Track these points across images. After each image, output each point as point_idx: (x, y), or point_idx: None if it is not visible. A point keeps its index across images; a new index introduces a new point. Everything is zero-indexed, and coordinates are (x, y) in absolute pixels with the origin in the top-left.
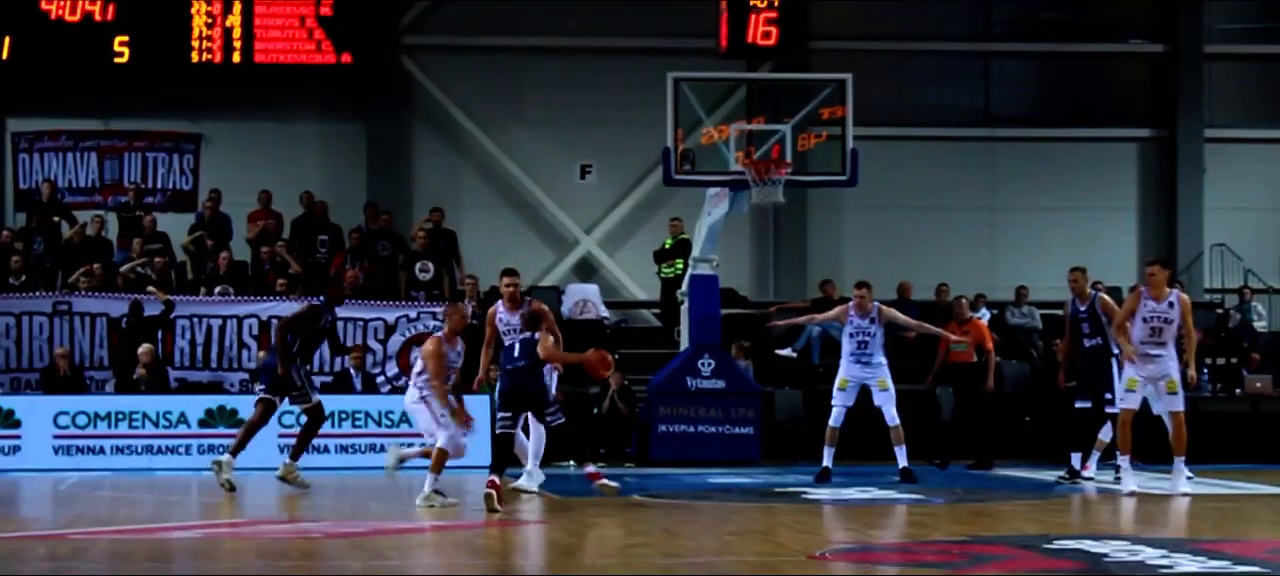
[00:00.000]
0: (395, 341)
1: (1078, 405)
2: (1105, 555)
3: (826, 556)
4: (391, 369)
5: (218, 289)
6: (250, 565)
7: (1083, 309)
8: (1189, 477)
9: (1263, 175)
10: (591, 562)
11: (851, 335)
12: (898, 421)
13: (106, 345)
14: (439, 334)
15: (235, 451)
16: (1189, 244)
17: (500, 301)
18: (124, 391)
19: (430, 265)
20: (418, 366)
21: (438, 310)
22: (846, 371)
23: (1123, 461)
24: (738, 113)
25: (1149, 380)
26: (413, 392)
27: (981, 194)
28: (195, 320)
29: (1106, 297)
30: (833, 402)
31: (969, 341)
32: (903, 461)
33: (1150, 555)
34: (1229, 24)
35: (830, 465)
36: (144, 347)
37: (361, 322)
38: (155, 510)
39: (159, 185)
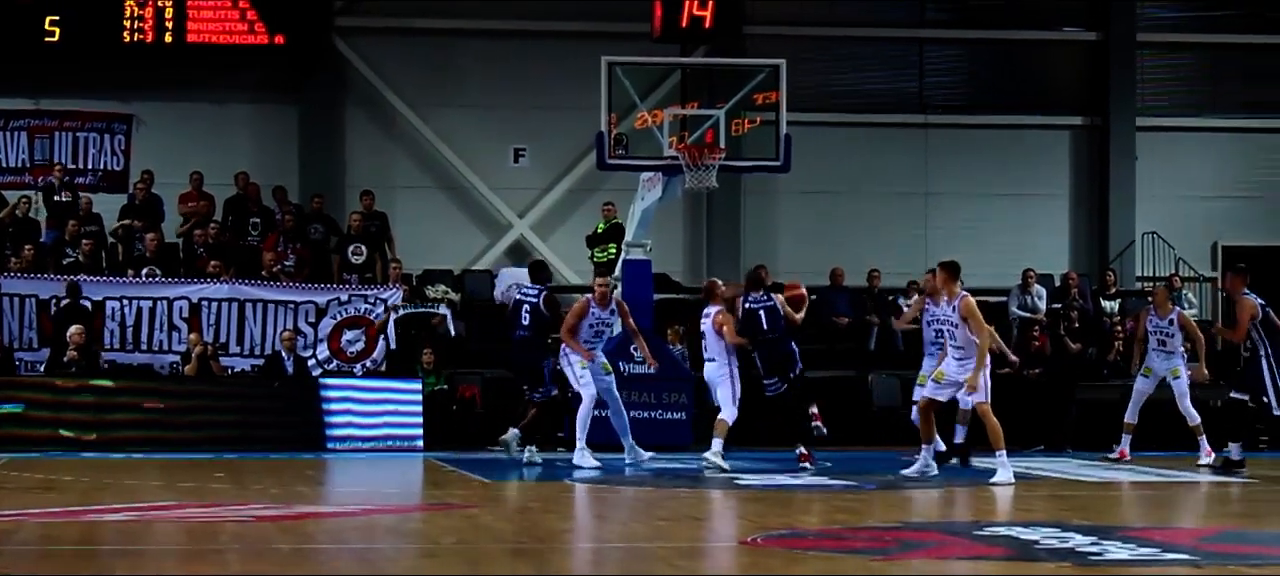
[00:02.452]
0: (326, 324)
1: (1233, 396)
2: (1035, 542)
3: (758, 542)
4: (323, 351)
5: (145, 270)
6: (180, 547)
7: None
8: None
9: (1194, 163)
10: (521, 546)
11: (929, 323)
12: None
13: (36, 326)
14: (720, 310)
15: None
16: (1121, 232)
17: (592, 298)
18: (54, 373)
19: (362, 248)
20: (713, 339)
21: (369, 293)
22: (930, 365)
23: (925, 450)
24: (672, 97)
25: (951, 382)
26: (718, 366)
27: (915, 180)
28: (125, 302)
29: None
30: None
31: None
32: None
33: (1080, 542)
34: (1161, 12)
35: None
36: (74, 328)
37: (293, 305)
38: (86, 492)
39: (90, 165)
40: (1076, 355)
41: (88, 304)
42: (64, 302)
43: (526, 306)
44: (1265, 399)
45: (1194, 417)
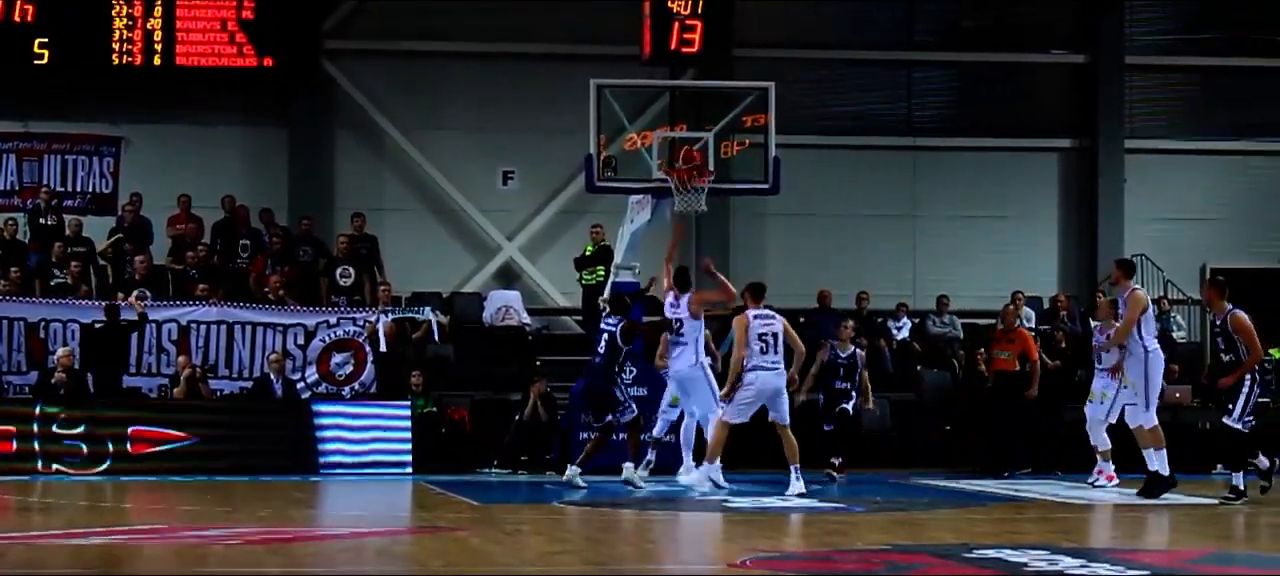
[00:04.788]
0: (315, 347)
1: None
2: (1025, 564)
3: (747, 564)
4: (311, 374)
5: (135, 293)
6: (169, 571)
7: (1217, 322)
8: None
9: (1182, 186)
10: (512, 570)
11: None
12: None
13: (25, 350)
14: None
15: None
16: (1109, 254)
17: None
18: (41, 396)
19: (351, 270)
20: None
21: (357, 316)
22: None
23: (713, 466)
24: (660, 119)
25: (760, 394)
26: None
27: (903, 203)
28: (97, 324)
29: (1240, 315)
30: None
31: (1013, 351)
32: (1153, 465)
33: (1069, 564)
34: (1149, 35)
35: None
36: (62, 351)
37: (281, 328)
38: (74, 515)
39: (79, 188)
40: (1052, 372)
41: (127, 324)
42: (102, 324)
43: (604, 336)
44: (1229, 406)
45: (1105, 443)
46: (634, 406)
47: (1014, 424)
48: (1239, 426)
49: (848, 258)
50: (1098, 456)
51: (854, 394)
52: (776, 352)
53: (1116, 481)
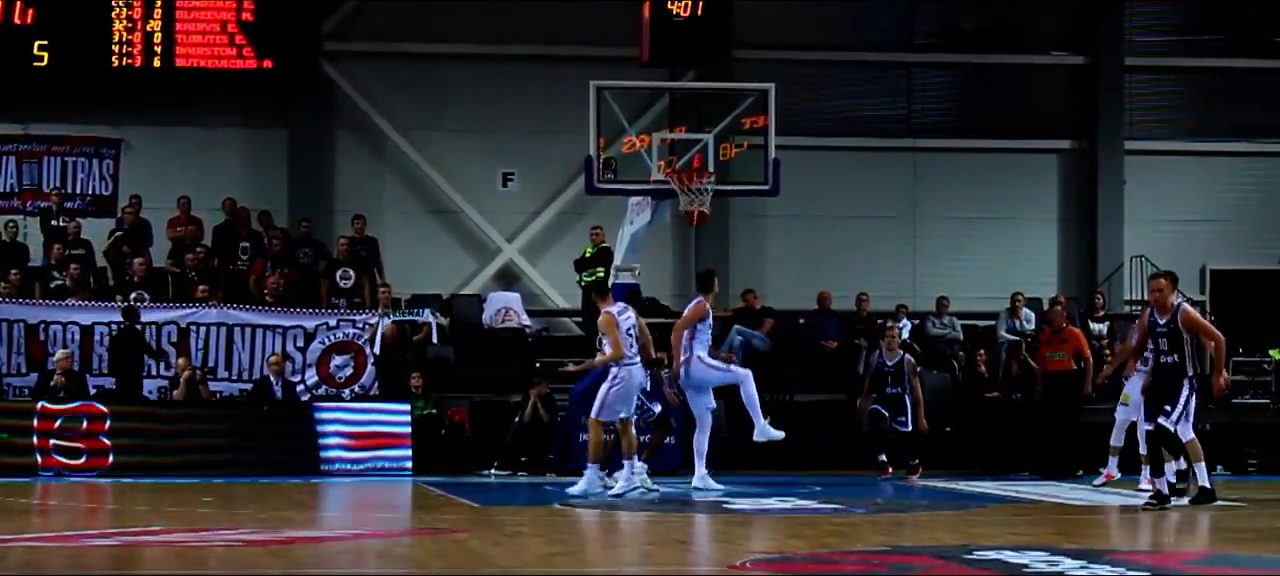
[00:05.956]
0: (315, 349)
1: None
2: (1025, 565)
3: (747, 565)
4: (311, 376)
5: (134, 295)
6: (168, 573)
7: (1161, 321)
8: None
9: (1182, 187)
10: (512, 571)
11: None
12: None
13: (24, 351)
14: None
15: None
16: (1109, 256)
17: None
18: (41, 396)
19: (351, 273)
20: None
21: (356, 318)
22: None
23: (590, 469)
24: (660, 121)
25: (629, 389)
26: None
27: (903, 204)
28: (113, 327)
29: (1190, 309)
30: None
31: (1067, 350)
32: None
33: (1069, 565)
34: (1149, 37)
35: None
36: (61, 353)
37: (281, 330)
38: (73, 517)
39: (79, 190)
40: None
41: (142, 328)
42: (120, 327)
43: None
44: (1167, 408)
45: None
46: (654, 408)
47: (1017, 425)
48: (1170, 427)
49: (847, 259)
50: (1110, 454)
51: (907, 402)
52: (635, 345)
53: (1116, 479)
